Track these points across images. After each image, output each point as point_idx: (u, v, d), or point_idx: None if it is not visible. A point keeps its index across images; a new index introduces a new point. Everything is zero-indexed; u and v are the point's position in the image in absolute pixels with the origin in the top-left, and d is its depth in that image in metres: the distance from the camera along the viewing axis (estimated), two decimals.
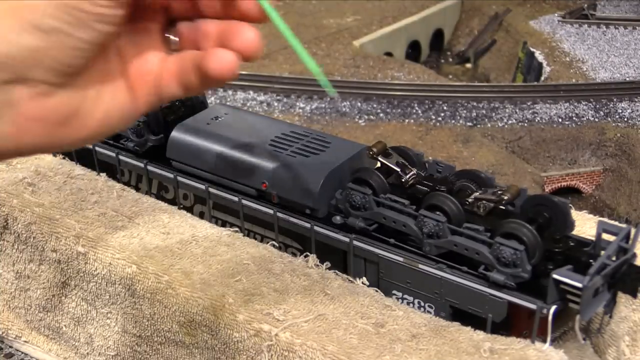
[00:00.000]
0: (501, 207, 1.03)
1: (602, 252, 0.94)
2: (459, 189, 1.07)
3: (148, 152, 1.32)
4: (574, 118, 9.30)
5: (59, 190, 1.28)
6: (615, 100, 9.51)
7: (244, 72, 7.91)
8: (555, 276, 0.88)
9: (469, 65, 12.81)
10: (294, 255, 1.13)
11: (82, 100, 0.58)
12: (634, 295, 0.95)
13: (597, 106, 9.44)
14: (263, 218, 1.16)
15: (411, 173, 1.11)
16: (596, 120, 9.28)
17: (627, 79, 10.11)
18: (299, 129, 1.22)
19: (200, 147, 1.20)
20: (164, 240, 1.15)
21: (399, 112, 8.80)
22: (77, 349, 1.27)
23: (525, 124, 9.19)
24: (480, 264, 0.96)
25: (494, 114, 9.32)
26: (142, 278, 1.09)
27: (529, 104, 9.49)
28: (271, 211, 1.14)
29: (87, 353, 1.25)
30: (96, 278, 1.15)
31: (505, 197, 1.01)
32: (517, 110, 9.40)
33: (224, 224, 1.23)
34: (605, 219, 1.03)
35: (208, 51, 0.59)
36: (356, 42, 10.07)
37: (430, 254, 1.00)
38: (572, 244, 0.98)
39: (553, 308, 0.89)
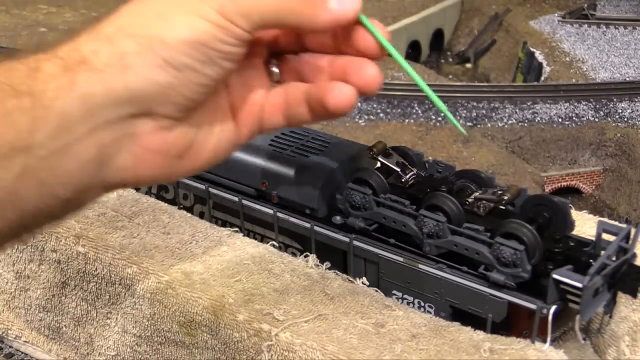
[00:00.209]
0: (501, 207, 1.03)
1: (602, 252, 0.94)
2: (459, 189, 1.07)
3: None
4: (574, 118, 9.30)
5: None
6: (615, 100, 9.51)
7: None
8: (555, 276, 0.88)
9: (469, 65, 12.81)
10: (294, 255, 1.13)
11: (196, 133, 0.60)
12: (634, 295, 0.95)
13: (597, 106, 9.44)
14: (263, 218, 1.16)
15: (411, 173, 1.11)
16: (596, 120, 9.28)
17: (627, 79, 10.11)
18: (299, 129, 1.22)
19: None
20: (164, 240, 1.15)
21: (399, 112, 8.80)
22: (77, 349, 1.27)
23: (525, 124, 9.19)
24: (480, 264, 0.96)
25: (494, 114, 9.32)
26: (142, 278, 1.09)
27: (529, 104, 9.49)
28: (271, 211, 1.14)
29: (87, 353, 1.25)
30: (96, 278, 1.15)
31: (505, 197, 1.01)
32: (517, 110, 9.40)
33: (224, 224, 1.23)
34: (605, 219, 1.03)
35: (326, 85, 0.61)
36: None
37: (430, 254, 1.00)
38: (572, 244, 0.98)
39: (553, 308, 0.89)
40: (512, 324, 0.96)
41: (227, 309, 0.99)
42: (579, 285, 0.86)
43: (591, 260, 0.93)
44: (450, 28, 13.38)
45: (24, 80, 0.52)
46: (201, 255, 1.11)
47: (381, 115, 8.69)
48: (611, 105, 9.39)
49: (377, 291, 1.05)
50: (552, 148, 9.17)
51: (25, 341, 1.35)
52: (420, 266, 1.01)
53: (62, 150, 0.53)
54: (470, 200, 1.03)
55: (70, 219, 1.20)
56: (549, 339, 0.90)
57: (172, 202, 1.29)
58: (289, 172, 1.10)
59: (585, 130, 9.15)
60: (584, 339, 0.98)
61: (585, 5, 12.64)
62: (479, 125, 9.06)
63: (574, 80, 10.11)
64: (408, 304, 1.04)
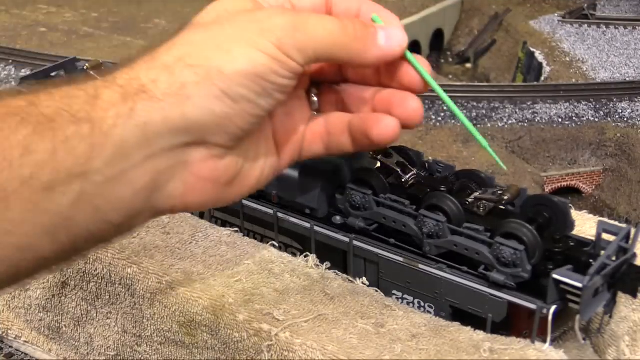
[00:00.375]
0: (501, 207, 1.03)
1: (602, 252, 0.94)
2: (459, 189, 1.07)
3: None
4: (574, 118, 9.31)
5: None
6: (615, 100, 9.51)
7: None
8: (555, 276, 0.88)
9: (469, 65, 12.81)
10: (294, 255, 1.13)
11: (244, 161, 0.62)
12: (634, 295, 0.95)
13: (597, 106, 9.44)
14: (263, 218, 1.16)
15: (411, 173, 1.11)
16: (596, 120, 9.29)
17: (627, 79, 10.12)
18: None
19: None
20: (164, 240, 1.15)
21: None
22: (77, 349, 1.27)
23: (525, 124, 9.20)
24: (480, 264, 0.96)
25: (494, 114, 9.33)
26: (142, 278, 1.09)
27: (529, 104, 9.50)
28: (271, 211, 1.14)
29: (87, 353, 1.25)
30: (96, 278, 1.15)
31: (505, 197, 1.01)
32: (517, 110, 9.41)
33: (224, 224, 1.23)
34: (605, 219, 1.03)
35: (371, 116, 0.63)
36: None
37: (430, 254, 1.00)
38: (572, 244, 0.98)
39: (553, 308, 0.89)
40: (512, 324, 0.96)
41: (227, 309, 0.99)
42: (579, 285, 0.86)
43: (591, 260, 0.93)
44: (450, 28, 13.39)
45: (83, 107, 0.52)
46: (201, 255, 1.11)
47: None
48: (611, 105, 9.40)
49: (377, 291, 1.05)
50: (552, 148, 9.18)
51: (25, 341, 1.35)
52: (420, 266, 1.01)
53: (118, 177, 0.53)
54: (470, 200, 1.03)
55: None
56: (549, 339, 0.90)
57: None
58: (289, 172, 1.10)
59: (585, 130, 9.16)
60: (584, 339, 0.98)
61: (585, 5, 12.65)
62: (479, 125, 9.06)
63: (574, 80, 10.12)
64: (408, 304, 1.04)
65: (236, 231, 1.18)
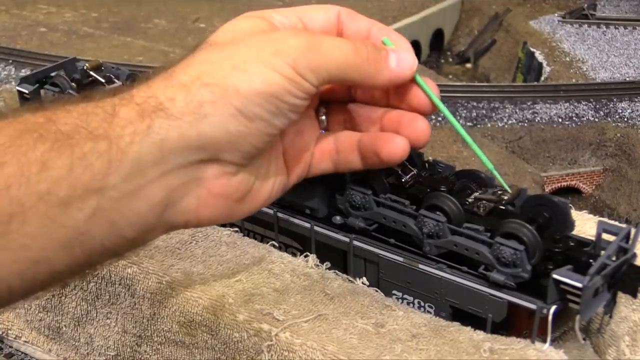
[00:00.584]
0: (501, 207, 1.03)
1: (602, 252, 0.94)
2: (459, 189, 1.07)
3: None
4: (574, 118, 9.31)
5: None
6: (615, 100, 9.51)
7: None
8: (555, 276, 0.88)
9: (469, 65, 12.82)
10: (294, 255, 1.13)
11: (255, 177, 0.64)
12: (634, 295, 0.95)
13: (597, 106, 9.44)
14: (263, 218, 1.16)
15: (411, 173, 1.11)
16: (596, 120, 9.29)
17: (627, 79, 10.12)
18: None
19: None
20: (164, 240, 1.15)
21: None
22: (77, 349, 1.27)
23: (525, 124, 9.20)
24: (480, 264, 0.96)
25: (494, 114, 9.33)
26: (142, 278, 1.09)
27: (529, 104, 9.50)
28: (271, 211, 1.14)
29: (87, 353, 1.25)
30: (96, 278, 1.15)
31: (505, 197, 1.01)
32: (517, 110, 9.41)
33: (224, 224, 1.23)
34: (605, 219, 1.03)
35: (380, 136, 0.66)
36: None
37: (430, 254, 1.00)
38: (572, 244, 0.98)
39: (553, 308, 0.89)
40: (512, 324, 0.96)
41: (227, 309, 0.99)
42: (579, 285, 0.86)
43: (591, 260, 0.93)
44: (450, 28, 13.39)
45: (101, 124, 0.53)
46: (201, 255, 1.11)
47: None
48: (611, 105, 9.40)
49: (377, 291, 1.05)
50: (552, 148, 9.18)
51: (25, 341, 1.35)
52: (420, 266, 1.01)
53: (134, 193, 0.55)
54: (470, 200, 1.03)
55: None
56: (549, 339, 0.90)
57: None
58: None
59: (585, 130, 9.16)
60: (584, 339, 0.98)
61: (585, 5, 12.65)
62: (479, 125, 9.06)
63: (574, 80, 10.12)
64: (408, 304, 1.04)
65: (236, 231, 1.18)
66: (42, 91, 1.38)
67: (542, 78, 10.55)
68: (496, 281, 0.94)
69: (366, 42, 0.63)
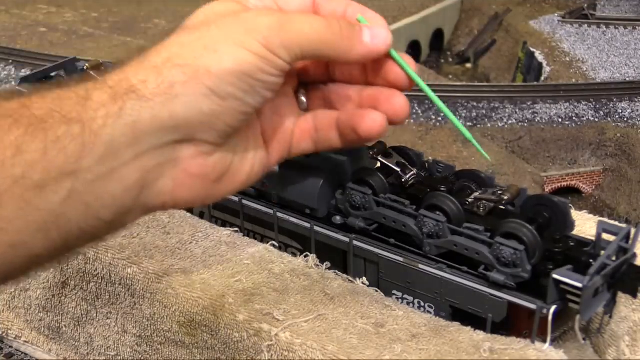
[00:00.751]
0: (501, 207, 1.03)
1: (602, 252, 0.94)
2: (459, 189, 1.07)
3: None
4: (574, 118, 9.30)
5: None
6: (615, 100, 9.51)
7: None
8: (555, 276, 0.88)
9: (469, 65, 12.81)
10: (294, 255, 1.13)
11: (233, 158, 0.63)
12: (634, 295, 0.95)
13: (597, 106, 9.44)
14: (263, 218, 1.16)
15: (411, 173, 1.11)
16: (596, 120, 9.29)
17: (627, 79, 10.11)
18: None
19: None
20: (164, 240, 1.15)
21: None
22: (77, 349, 1.27)
23: (525, 124, 9.20)
24: (480, 264, 0.96)
25: (494, 114, 9.33)
26: (142, 278, 1.09)
27: (529, 104, 9.49)
28: (271, 211, 1.14)
29: (87, 353, 1.25)
30: (96, 278, 1.16)
31: (505, 197, 1.01)
32: (517, 110, 9.41)
33: (224, 224, 1.23)
34: (605, 219, 1.03)
35: (357, 112, 0.65)
36: None
37: (430, 254, 1.00)
38: (572, 244, 0.98)
39: (553, 308, 0.89)
40: (512, 324, 0.96)
41: (227, 309, 0.99)
42: (579, 285, 0.86)
43: (591, 260, 0.93)
44: (450, 28, 13.39)
45: (74, 107, 0.54)
46: (201, 255, 1.11)
47: None
48: (611, 105, 9.40)
49: (377, 291, 1.05)
50: (552, 148, 9.18)
51: (25, 341, 1.35)
52: (420, 266, 1.01)
53: (108, 175, 0.55)
54: (470, 200, 1.03)
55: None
56: (549, 339, 0.90)
57: None
58: (289, 172, 1.10)
59: (585, 130, 9.16)
60: (584, 339, 0.98)
61: (585, 5, 12.65)
62: (479, 125, 9.06)
63: (574, 80, 10.12)
64: (408, 304, 1.04)
65: (236, 231, 1.18)
66: None
67: (542, 78, 10.55)
68: (496, 281, 0.94)
69: (339, 18, 0.64)
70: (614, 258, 0.93)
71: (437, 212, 0.99)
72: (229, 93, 0.57)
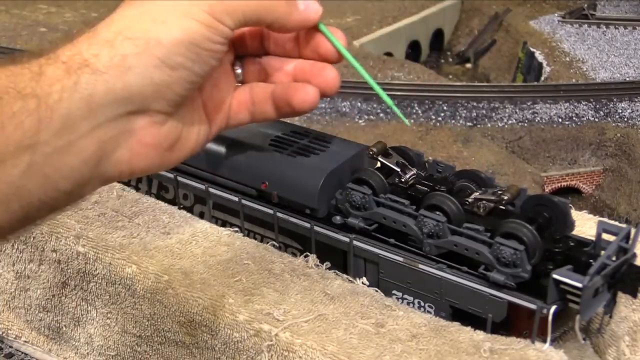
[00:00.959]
0: (501, 207, 1.03)
1: (602, 252, 0.94)
2: (459, 189, 1.07)
3: None
4: (574, 118, 9.30)
5: None
6: (615, 100, 9.50)
7: None
8: (555, 276, 0.88)
9: (469, 65, 12.81)
10: (294, 255, 1.13)
11: (182, 127, 0.66)
12: (634, 295, 0.95)
13: (597, 106, 9.43)
14: (263, 218, 1.16)
15: (411, 173, 1.11)
16: (596, 120, 9.28)
17: (627, 79, 10.10)
18: (299, 129, 1.22)
19: None
20: (164, 240, 1.15)
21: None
22: (77, 349, 1.27)
23: (525, 124, 9.19)
24: (480, 264, 0.96)
25: (494, 114, 9.32)
26: (142, 278, 1.09)
27: (529, 104, 9.48)
28: (271, 211, 1.14)
29: (87, 353, 1.25)
30: (96, 278, 1.16)
31: (505, 197, 1.01)
32: (517, 110, 9.40)
33: (224, 224, 1.23)
34: (605, 219, 1.03)
35: (291, 85, 0.68)
36: (356, 42, 10.06)
37: (430, 254, 1.00)
38: (572, 244, 0.98)
39: (553, 308, 0.89)
40: (512, 324, 0.96)
41: (227, 309, 0.99)
42: (579, 285, 0.86)
43: (591, 260, 0.93)
44: (450, 28, 13.39)
45: (29, 83, 0.56)
46: (201, 255, 1.11)
47: (381, 115, 8.68)
48: (611, 105, 9.39)
49: (377, 291, 1.05)
50: (552, 148, 9.17)
51: (25, 341, 1.35)
52: (420, 266, 1.01)
53: (66, 147, 0.57)
54: (470, 200, 1.03)
55: (70, 217, 1.20)
56: (549, 339, 0.90)
57: (172, 202, 1.29)
58: (289, 172, 1.10)
59: (585, 130, 9.15)
60: (584, 339, 0.98)
61: (585, 5, 12.65)
62: (479, 126, 9.06)
63: (574, 80, 10.11)
64: (408, 304, 1.04)
65: (236, 231, 1.18)
66: None
67: (542, 78, 10.54)
68: (496, 281, 0.94)
69: None
70: (614, 258, 0.93)
71: (437, 212, 0.99)
72: (178, 63, 0.60)
